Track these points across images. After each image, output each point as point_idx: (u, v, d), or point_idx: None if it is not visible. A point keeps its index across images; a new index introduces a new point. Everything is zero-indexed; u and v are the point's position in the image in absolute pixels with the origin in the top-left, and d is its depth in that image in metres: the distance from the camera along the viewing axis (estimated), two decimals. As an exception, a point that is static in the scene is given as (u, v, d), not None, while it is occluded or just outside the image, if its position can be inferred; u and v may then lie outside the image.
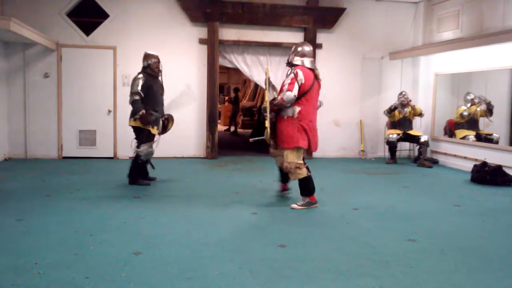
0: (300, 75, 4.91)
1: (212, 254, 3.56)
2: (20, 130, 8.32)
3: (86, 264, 3.28)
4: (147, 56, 6.13)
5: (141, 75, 6.00)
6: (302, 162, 5.09)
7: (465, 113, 8.25)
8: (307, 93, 4.98)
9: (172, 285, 2.98)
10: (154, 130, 6.06)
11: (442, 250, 3.79)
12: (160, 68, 6.21)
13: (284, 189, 5.67)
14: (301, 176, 5.03)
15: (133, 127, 6.09)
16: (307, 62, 5.06)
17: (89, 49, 8.44)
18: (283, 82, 5.08)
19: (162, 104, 6.30)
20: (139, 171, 6.18)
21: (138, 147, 6.02)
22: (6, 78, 8.16)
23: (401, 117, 8.81)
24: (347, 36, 9.33)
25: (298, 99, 4.95)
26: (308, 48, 5.15)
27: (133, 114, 5.99)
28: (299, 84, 4.89)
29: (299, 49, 5.11)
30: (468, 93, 8.22)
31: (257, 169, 7.85)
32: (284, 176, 5.46)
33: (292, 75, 4.92)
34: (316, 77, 5.12)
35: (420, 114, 8.76)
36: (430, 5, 9.19)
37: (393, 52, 9.34)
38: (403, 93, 8.83)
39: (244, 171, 7.64)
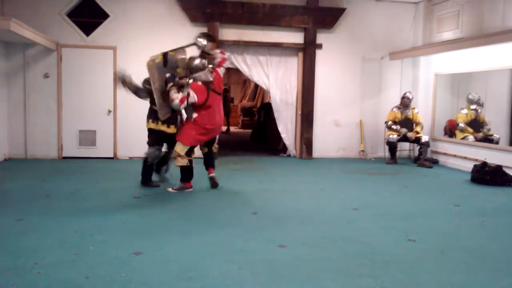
0: (192, 96, 5.49)
1: (212, 254, 3.56)
2: (20, 130, 8.32)
3: (86, 264, 3.28)
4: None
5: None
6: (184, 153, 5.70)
7: (461, 125, 8.26)
8: (204, 104, 5.62)
9: (172, 285, 2.98)
10: (171, 129, 5.88)
11: (442, 250, 3.79)
12: None
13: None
14: (181, 164, 5.71)
15: (148, 129, 6.02)
16: (199, 77, 5.61)
17: (89, 49, 8.44)
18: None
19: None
20: (149, 172, 6.12)
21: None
22: (6, 78, 8.16)
23: (402, 118, 8.80)
24: (347, 36, 9.33)
25: (198, 108, 5.62)
26: (197, 61, 5.63)
27: (150, 117, 5.93)
28: (191, 101, 5.51)
29: (192, 64, 5.64)
30: (470, 94, 8.21)
31: (257, 169, 7.85)
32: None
33: (186, 93, 5.50)
34: (210, 83, 5.67)
35: (419, 125, 8.73)
36: (430, 5, 9.19)
37: (393, 52, 9.34)
38: (407, 94, 8.81)
39: (244, 171, 7.64)
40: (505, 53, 7.20)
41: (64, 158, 8.47)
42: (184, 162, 5.68)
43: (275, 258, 3.50)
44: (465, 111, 8.22)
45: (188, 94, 5.48)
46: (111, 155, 8.63)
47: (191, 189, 5.84)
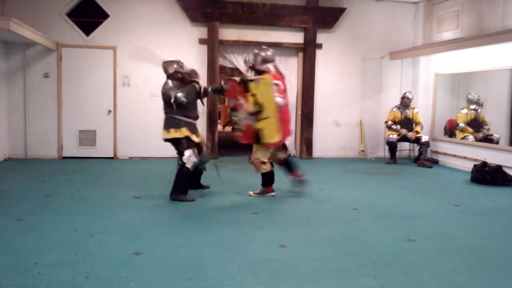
0: (277, 82, 5.37)
1: (212, 254, 3.56)
2: (20, 130, 8.32)
3: (86, 264, 3.28)
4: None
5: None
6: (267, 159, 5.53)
7: (461, 125, 8.26)
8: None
9: (172, 285, 2.98)
10: (195, 137, 5.47)
11: (442, 250, 3.79)
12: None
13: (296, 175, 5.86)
14: (264, 171, 5.56)
15: (170, 140, 5.42)
16: (272, 67, 5.50)
17: (89, 49, 8.44)
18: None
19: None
20: (188, 182, 5.45)
21: (182, 156, 5.36)
22: (6, 78, 8.16)
23: (402, 118, 8.80)
24: (347, 36, 9.33)
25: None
26: (269, 53, 5.54)
27: (167, 126, 5.39)
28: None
29: (261, 54, 5.47)
30: (470, 93, 8.20)
31: (257, 169, 7.84)
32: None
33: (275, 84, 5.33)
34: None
35: (419, 125, 8.73)
36: (430, 5, 9.19)
37: (393, 52, 9.34)
38: (407, 94, 8.81)
39: (244, 171, 7.63)
40: (505, 53, 7.20)
41: (64, 158, 8.47)
42: (268, 168, 5.52)
43: (275, 258, 3.50)
44: (465, 111, 8.22)
45: (276, 83, 5.32)
46: (111, 155, 8.63)
47: (273, 193, 5.66)
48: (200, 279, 3.08)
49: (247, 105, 5.28)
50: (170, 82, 5.40)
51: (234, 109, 5.46)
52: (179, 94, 5.26)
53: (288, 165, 5.78)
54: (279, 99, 5.27)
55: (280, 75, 5.50)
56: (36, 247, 3.61)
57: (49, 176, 6.69)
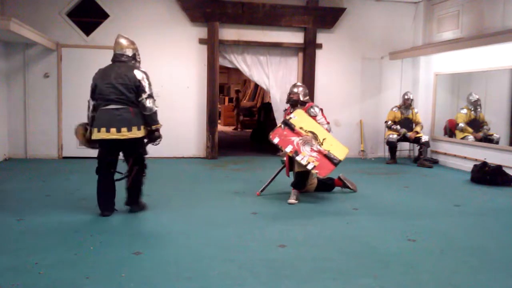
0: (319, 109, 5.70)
1: (212, 254, 3.56)
2: (20, 130, 8.31)
3: (86, 264, 3.28)
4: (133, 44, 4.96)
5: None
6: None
7: (461, 125, 8.26)
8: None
9: (172, 285, 2.98)
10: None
11: (442, 250, 3.79)
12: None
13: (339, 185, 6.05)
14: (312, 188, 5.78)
15: (136, 139, 4.55)
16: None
17: (89, 49, 8.44)
18: (315, 116, 5.62)
19: None
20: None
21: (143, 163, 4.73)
22: (6, 78, 8.16)
23: (402, 118, 8.79)
24: (347, 36, 9.32)
25: None
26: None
27: (151, 120, 4.61)
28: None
29: (305, 89, 5.85)
30: (471, 94, 8.19)
31: (257, 169, 7.84)
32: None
33: (318, 109, 5.67)
34: None
35: (419, 125, 8.73)
36: (430, 5, 9.19)
37: (393, 52, 9.34)
38: (408, 95, 8.79)
39: (244, 171, 7.64)
40: (505, 53, 7.20)
41: (64, 158, 8.46)
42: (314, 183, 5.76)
43: (275, 258, 3.50)
44: (464, 111, 8.22)
45: (321, 109, 5.70)
46: (111, 155, 8.62)
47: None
48: (200, 279, 3.08)
49: (305, 134, 5.38)
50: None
51: (296, 153, 5.26)
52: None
53: (325, 186, 5.94)
54: (326, 126, 5.57)
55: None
56: (36, 247, 3.62)
57: (49, 176, 6.69)
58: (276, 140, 5.36)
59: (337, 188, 6.02)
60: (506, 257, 3.67)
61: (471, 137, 8.13)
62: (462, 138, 8.28)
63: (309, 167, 5.18)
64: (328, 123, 5.68)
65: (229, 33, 8.84)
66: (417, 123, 8.76)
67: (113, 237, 3.92)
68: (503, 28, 7.05)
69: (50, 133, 8.41)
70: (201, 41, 8.71)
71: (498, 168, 6.81)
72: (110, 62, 4.93)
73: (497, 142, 7.61)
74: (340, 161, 5.33)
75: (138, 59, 4.94)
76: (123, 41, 4.93)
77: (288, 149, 5.26)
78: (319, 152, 5.27)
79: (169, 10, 8.64)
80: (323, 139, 5.37)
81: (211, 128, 8.82)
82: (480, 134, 7.97)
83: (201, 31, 8.72)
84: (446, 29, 8.68)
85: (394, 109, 8.89)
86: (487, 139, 7.82)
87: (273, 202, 5.43)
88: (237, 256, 3.53)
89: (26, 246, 3.65)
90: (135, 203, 4.74)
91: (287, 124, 5.41)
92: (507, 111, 7.49)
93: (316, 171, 5.19)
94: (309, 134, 5.35)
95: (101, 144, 4.58)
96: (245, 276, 3.16)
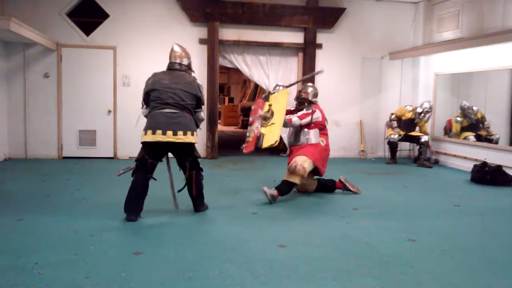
0: (318, 114, 5.63)
1: (212, 254, 3.56)
2: (20, 130, 8.32)
3: (86, 264, 3.28)
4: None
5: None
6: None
7: (459, 119, 8.28)
8: (325, 127, 5.76)
9: (172, 285, 2.98)
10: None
11: (442, 250, 3.79)
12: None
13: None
14: (294, 181, 5.42)
15: (190, 143, 4.61)
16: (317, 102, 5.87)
17: (89, 49, 8.44)
18: (298, 110, 5.74)
19: None
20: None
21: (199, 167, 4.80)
22: (6, 78, 8.16)
23: (409, 119, 8.67)
24: (347, 36, 9.33)
25: (321, 131, 5.69)
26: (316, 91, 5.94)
27: (197, 127, 4.73)
28: (312, 120, 5.57)
29: (315, 90, 5.89)
30: (462, 102, 8.24)
31: (257, 169, 7.85)
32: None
33: (310, 110, 5.62)
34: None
35: (424, 132, 8.66)
36: (430, 5, 9.19)
37: (393, 52, 9.35)
38: (427, 107, 8.43)
39: (244, 171, 7.64)
40: (505, 53, 7.20)
41: (64, 158, 8.47)
42: (298, 182, 5.41)
43: (275, 258, 3.50)
44: (459, 119, 8.25)
45: (313, 111, 5.59)
46: (111, 155, 8.63)
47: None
48: (200, 279, 3.08)
49: (266, 111, 5.42)
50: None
51: (250, 124, 5.57)
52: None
53: (325, 188, 5.92)
54: (295, 119, 5.49)
55: (321, 110, 5.78)
56: (36, 247, 3.61)
57: (49, 176, 6.69)
58: (253, 107, 5.73)
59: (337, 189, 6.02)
60: (506, 257, 3.67)
61: (471, 137, 8.14)
62: (464, 138, 8.28)
63: (246, 139, 5.46)
64: (300, 118, 5.51)
65: (229, 33, 8.84)
66: (421, 128, 8.64)
67: (113, 237, 3.93)
68: (503, 28, 7.05)
69: (50, 133, 8.42)
70: (201, 41, 8.71)
71: (498, 168, 6.81)
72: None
73: (497, 142, 7.61)
74: (261, 147, 5.31)
75: (192, 69, 5.14)
76: (179, 50, 5.08)
77: (251, 118, 5.57)
78: (258, 131, 5.38)
79: (169, 10, 8.64)
80: (272, 124, 5.33)
81: (211, 128, 8.82)
82: (483, 131, 7.92)
83: (201, 31, 8.73)
84: (446, 29, 8.68)
85: (407, 108, 8.64)
86: (487, 139, 7.83)
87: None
88: (237, 256, 3.53)
89: (26, 246, 3.65)
90: (201, 206, 4.88)
91: (266, 97, 5.61)
92: (507, 111, 7.49)
93: (244, 145, 5.44)
94: (269, 113, 5.38)
95: (151, 147, 4.63)
96: (245, 276, 3.16)
